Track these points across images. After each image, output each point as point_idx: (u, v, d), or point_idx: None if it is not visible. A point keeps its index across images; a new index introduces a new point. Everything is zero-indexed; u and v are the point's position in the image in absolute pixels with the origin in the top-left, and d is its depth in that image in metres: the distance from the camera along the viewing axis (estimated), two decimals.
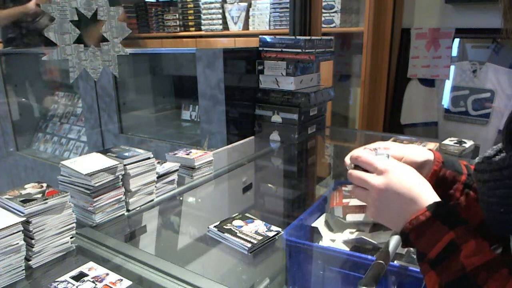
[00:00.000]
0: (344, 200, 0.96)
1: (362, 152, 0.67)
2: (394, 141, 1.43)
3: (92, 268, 0.75)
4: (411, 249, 0.71)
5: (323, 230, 0.93)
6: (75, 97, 2.73)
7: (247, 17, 3.10)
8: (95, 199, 0.91)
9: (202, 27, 3.33)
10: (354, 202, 0.94)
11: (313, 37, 1.65)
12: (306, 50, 1.60)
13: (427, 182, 0.61)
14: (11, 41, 2.67)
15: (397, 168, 0.62)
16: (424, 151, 0.72)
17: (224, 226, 0.95)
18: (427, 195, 0.59)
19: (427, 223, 0.55)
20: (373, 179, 0.62)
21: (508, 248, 0.50)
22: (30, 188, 0.83)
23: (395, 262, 0.71)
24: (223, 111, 1.60)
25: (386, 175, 0.61)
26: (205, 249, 0.97)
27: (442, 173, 0.70)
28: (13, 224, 0.72)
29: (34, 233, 0.76)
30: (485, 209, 0.53)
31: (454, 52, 2.38)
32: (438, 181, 0.69)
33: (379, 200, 0.61)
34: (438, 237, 0.54)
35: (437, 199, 0.59)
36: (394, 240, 0.60)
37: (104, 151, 1.02)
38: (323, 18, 2.36)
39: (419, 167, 0.68)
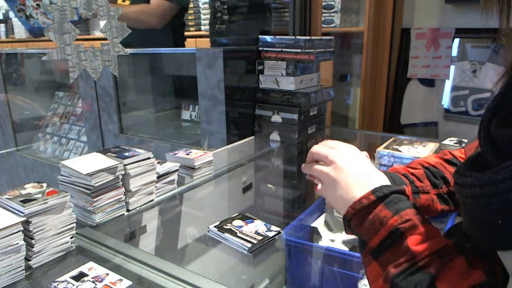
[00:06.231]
0: None
1: (319, 147, 0.64)
2: (394, 141, 1.43)
3: (92, 268, 0.75)
4: None
5: (322, 230, 0.93)
6: (75, 97, 2.73)
7: None
8: (95, 199, 0.91)
9: (202, 27, 3.33)
10: None
11: (313, 37, 1.65)
12: (306, 50, 1.60)
13: (375, 169, 0.58)
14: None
15: (346, 157, 0.60)
16: None
17: (224, 226, 0.95)
18: (375, 180, 0.55)
19: (370, 207, 0.50)
20: (324, 169, 0.60)
21: (496, 267, 0.43)
22: (30, 188, 0.83)
23: None
24: (223, 111, 1.60)
25: (335, 165, 0.59)
26: (205, 249, 0.97)
27: None
28: (13, 224, 0.72)
29: (34, 233, 0.76)
30: (473, 226, 0.45)
31: (454, 52, 2.38)
32: None
33: (331, 187, 0.58)
34: (381, 223, 0.48)
35: (386, 182, 0.55)
36: None
37: (104, 151, 1.02)
38: (323, 18, 2.36)
39: None
